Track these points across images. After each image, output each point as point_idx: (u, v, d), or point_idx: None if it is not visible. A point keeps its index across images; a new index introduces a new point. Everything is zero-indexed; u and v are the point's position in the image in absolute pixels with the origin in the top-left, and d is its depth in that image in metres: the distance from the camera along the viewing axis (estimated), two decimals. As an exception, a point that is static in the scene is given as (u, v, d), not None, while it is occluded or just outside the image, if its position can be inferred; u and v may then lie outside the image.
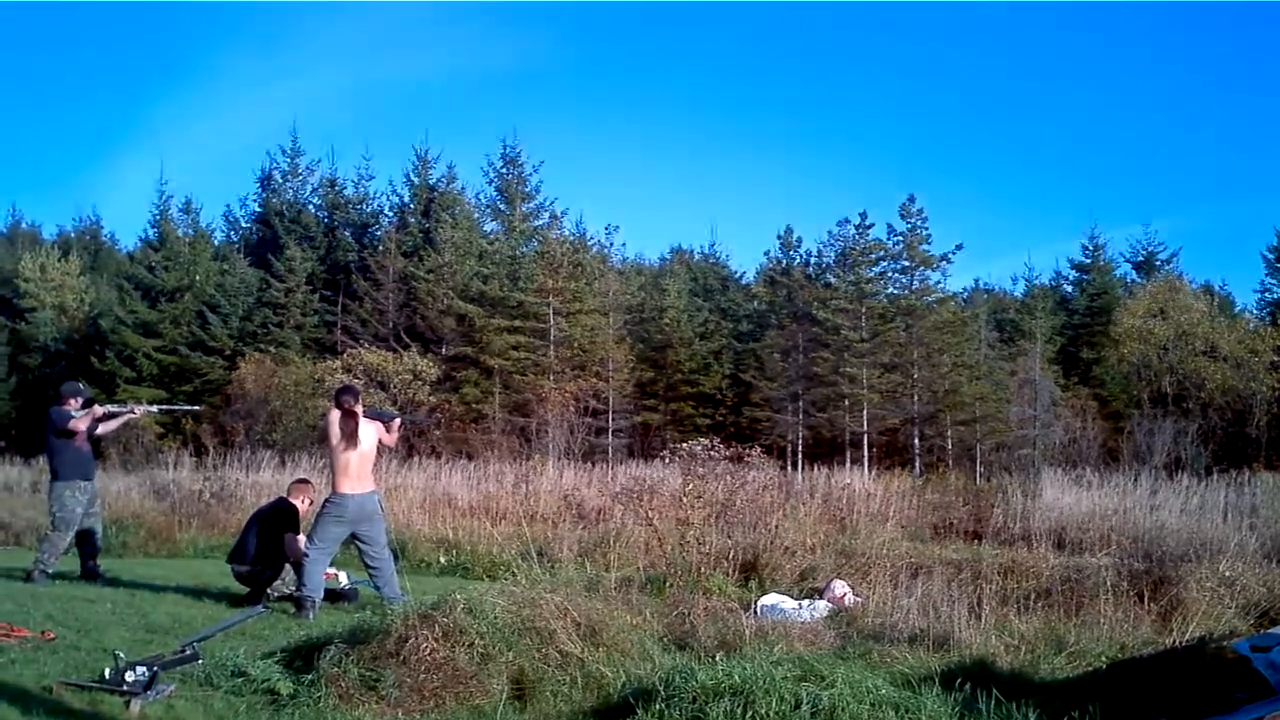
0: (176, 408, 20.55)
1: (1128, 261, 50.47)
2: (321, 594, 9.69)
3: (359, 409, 9.80)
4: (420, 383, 35.49)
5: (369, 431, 9.78)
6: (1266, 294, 47.90)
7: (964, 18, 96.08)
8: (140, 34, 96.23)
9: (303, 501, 10.77)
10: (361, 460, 9.65)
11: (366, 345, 37.54)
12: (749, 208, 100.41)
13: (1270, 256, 47.08)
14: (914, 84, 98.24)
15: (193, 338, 43.29)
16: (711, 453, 12.66)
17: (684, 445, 13.10)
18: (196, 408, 19.85)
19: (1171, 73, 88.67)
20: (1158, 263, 48.97)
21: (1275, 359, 39.05)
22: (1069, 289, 50.13)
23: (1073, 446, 33.70)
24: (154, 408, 14.33)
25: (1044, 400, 37.01)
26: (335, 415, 9.70)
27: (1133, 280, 48.75)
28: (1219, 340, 40.28)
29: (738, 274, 55.08)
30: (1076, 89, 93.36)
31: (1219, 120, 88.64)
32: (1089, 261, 49.30)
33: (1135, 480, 20.82)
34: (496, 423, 36.39)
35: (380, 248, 44.62)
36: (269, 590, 10.20)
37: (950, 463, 36.16)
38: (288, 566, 10.25)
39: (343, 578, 10.81)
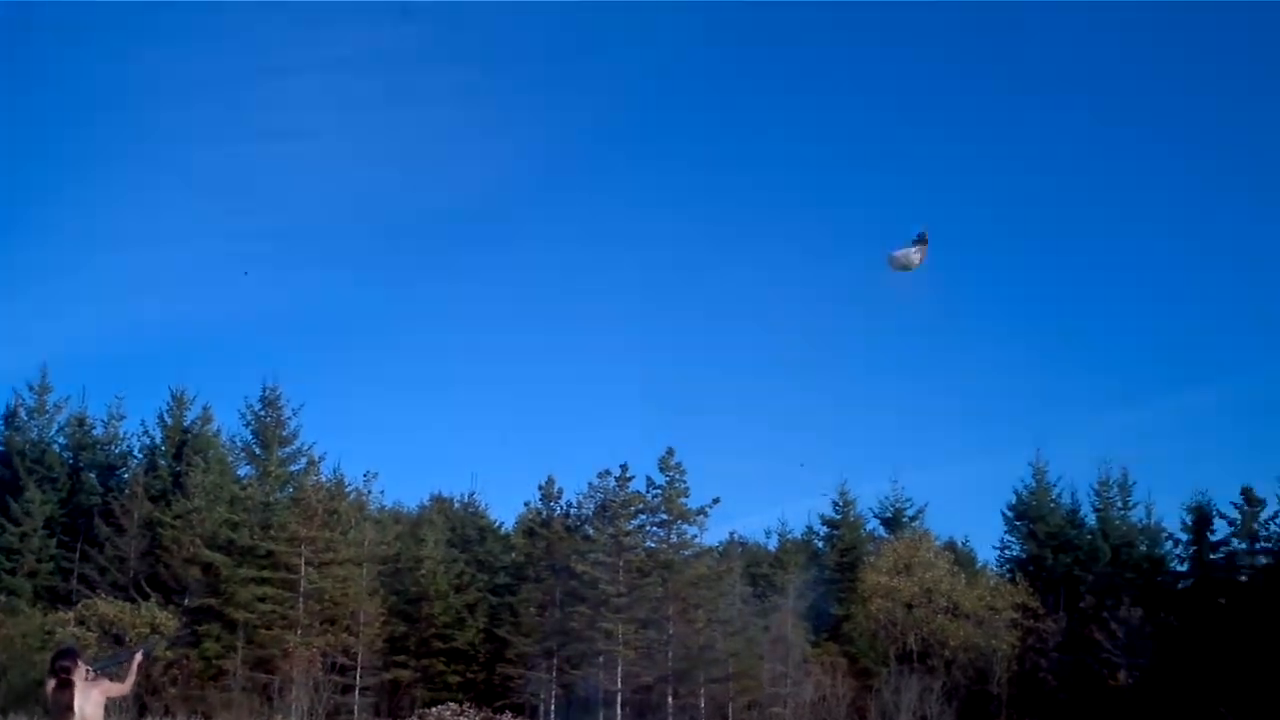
0: None
1: (876, 517, 51.89)
2: None
3: (77, 675, 9.21)
4: (158, 637, 33.90)
5: (90, 696, 9.18)
6: (1006, 551, 49.89)
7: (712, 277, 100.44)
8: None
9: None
10: (82, 730, 9.03)
11: (104, 595, 36.01)
12: (511, 455, 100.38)
13: (1009, 514, 49.28)
14: (668, 339, 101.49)
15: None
16: (460, 717, 12.43)
17: (432, 710, 12.83)
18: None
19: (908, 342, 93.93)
20: (905, 518, 50.51)
21: (1014, 616, 40.53)
22: (820, 544, 51.19)
23: (823, 704, 34.09)
24: None
25: (795, 657, 37.48)
26: (50, 685, 9.11)
27: (881, 536, 50.16)
28: (960, 598, 41.70)
29: (497, 524, 54.58)
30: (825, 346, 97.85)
31: (959, 385, 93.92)
32: (839, 517, 50.70)
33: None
34: (237, 680, 34.84)
35: (126, 491, 42.97)
36: None
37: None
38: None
39: None
